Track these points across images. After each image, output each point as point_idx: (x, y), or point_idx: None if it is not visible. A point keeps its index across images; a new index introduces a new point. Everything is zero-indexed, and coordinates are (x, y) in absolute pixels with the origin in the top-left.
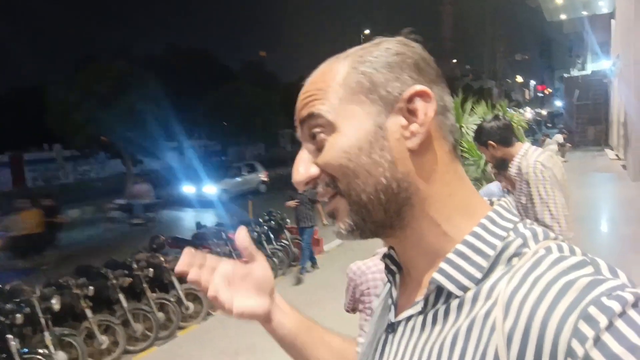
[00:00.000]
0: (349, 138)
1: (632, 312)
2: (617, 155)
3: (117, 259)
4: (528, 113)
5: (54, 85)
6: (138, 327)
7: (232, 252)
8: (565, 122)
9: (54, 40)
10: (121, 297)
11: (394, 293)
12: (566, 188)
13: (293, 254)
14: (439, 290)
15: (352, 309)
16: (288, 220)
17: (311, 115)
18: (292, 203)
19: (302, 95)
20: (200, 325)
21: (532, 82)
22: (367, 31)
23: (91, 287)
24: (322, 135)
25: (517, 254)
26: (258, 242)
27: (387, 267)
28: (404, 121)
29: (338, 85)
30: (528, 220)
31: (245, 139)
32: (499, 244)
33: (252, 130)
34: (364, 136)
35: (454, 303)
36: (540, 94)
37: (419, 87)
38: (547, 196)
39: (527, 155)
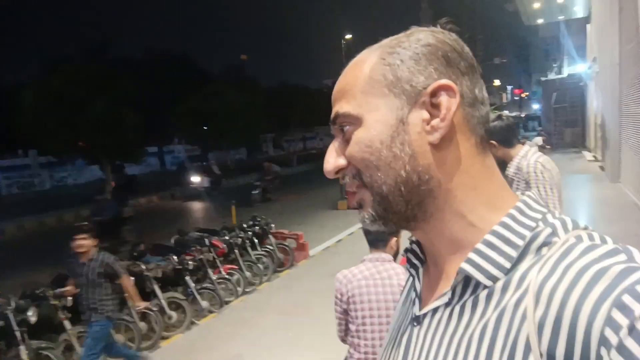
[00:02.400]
0: (371, 132)
1: None
2: (594, 156)
3: None
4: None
5: (27, 88)
6: (119, 338)
7: (215, 259)
8: (544, 125)
9: (26, 41)
10: None
11: (418, 286)
12: (560, 190)
13: (278, 260)
14: (467, 281)
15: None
16: (273, 225)
17: (337, 116)
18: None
19: (335, 88)
20: (184, 335)
21: (509, 86)
22: (348, 36)
23: (69, 298)
24: (349, 128)
25: (546, 243)
26: (242, 248)
27: (409, 261)
28: (426, 115)
29: (363, 78)
30: (557, 212)
31: (226, 144)
32: (527, 234)
33: (233, 135)
34: (386, 130)
35: (482, 294)
36: (516, 98)
37: (443, 82)
38: (546, 196)
39: (527, 157)
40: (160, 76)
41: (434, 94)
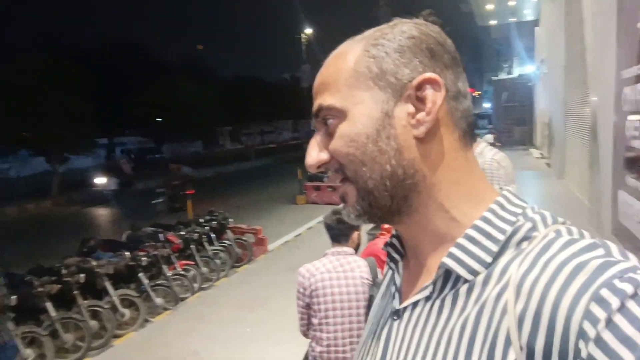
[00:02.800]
0: (356, 126)
1: None
2: (541, 154)
3: (43, 264)
4: None
5: None
6: (68, 338)
7: (170, 255)
8: (494, 123)
9: None
10: (48, 305)
11: (398, 280)
12: (514, 186)
13: (236, 255)
14: (447, 274)
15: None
16: (231, 220)
17: (321, 109)
18: None
19: (316, 80)
20: (137, 332)
21: None
22: (308, 30)
23: (13, 297)
24: (333, 121)
25: (526, 238)
26: (199, 243)
27: (389, 255)
28: (411, 109)
29: (348, 70)
30: (536, 206)
31: (181, 136)
32: (508, 229)
33: (189, 127)
34: (372, 124)
35: (463, 288)
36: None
37: (428, 75)
38: None
39: (483, 154)
40: (113, 65)
41: (420, 87)
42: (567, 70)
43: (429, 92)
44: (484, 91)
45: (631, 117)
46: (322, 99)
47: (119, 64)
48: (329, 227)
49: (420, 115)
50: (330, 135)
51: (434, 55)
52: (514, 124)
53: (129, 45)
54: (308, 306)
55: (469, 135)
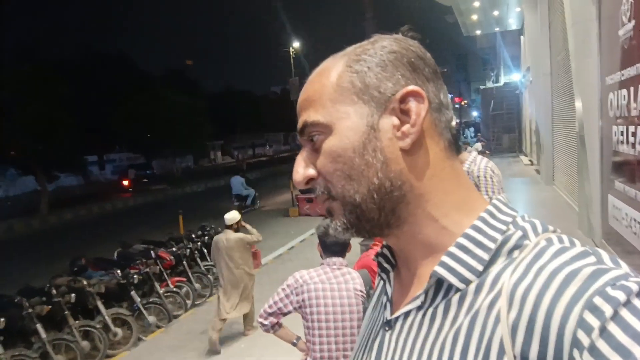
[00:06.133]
0: (342, 140)
1: (636, 301)
2: (530, 160)
3: (32, 284)
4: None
5: None
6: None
7: (162, 272)
8: (483, 131)
9: None
10: (39, 327)
11: (389, 290)
12: (504, 195)
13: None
14: (439, 284)
15: (272, 325)
16: None
17: (306, 125)
18: None
19: (300, 97)
20: (130, 352)
21: (450, 94)
22: (296, 44)
23: (2, 319)
24: (319, 137)
25: (517, 246)
26: (191, 259)
27: (380, 265)
28: (396, 121)
29: (331, 86)
30: (526, 215)
31: (171, 151)
32: (499, 237)
33: (178, 141)
34: (357, 137)
35: (455, 297)
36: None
37: (411, 88)
38: None
39: (476, 162)
40: (100, 80)
41: (403, 100)
42: (552, 78)
43: (412, 104)
44: (472, 100)
45: (618, 122)
46: (307, 115)
47: (107, 79)
48: (323, 239)
49: (405, 128)
50: (316, 151)
51: (415, 69)
52: (502, 131)
53: (116, 59)
54: (290, 309)
55: (454, 145)
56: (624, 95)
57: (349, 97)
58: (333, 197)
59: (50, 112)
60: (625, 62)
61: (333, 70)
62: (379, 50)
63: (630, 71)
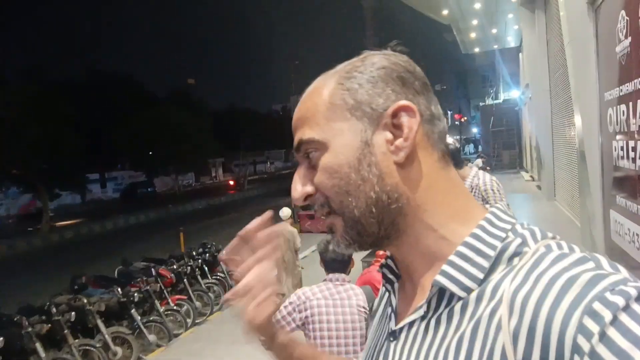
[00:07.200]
0: (338, 156)
1: (635, 306)
2: (531, 176)
3: (32, 303)
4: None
5: None
6: None
7: (163, 290)
8: (483, 147)
9: None
10: (38, 346)
11: (394, 301)
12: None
13: (231, 287)
14: (441, 293)
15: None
16: (224, 252)
17: (301, 143)
18: None
19: (295, 116)
20: None
21: (449, 111)
22: (297, 62)
23: (1, 338)
24: (315, 154)
25: (517, 254)
26: (192, 277)
27: (384, 277)
28: (389, 136)
29: (324, 104)
30: (525, 222)
31: (173, 169)
32: (498, 245)
33: (181, 159)
34: (352, 153)
35: (457, 306)
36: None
37: (402, 103)
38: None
39: (479, 176)
40: (103, 99)
41: (395, 115)
42: (551, 94)
43: (404, 119)
44: (472, 117)
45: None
46: (302, 133)
47: (109, 97)
48: (324, 255)
49: (399, 142)
50: (313, 167)
51: (405, 83)
52: (502, 147)
53: (119, 78)
54: (293, 326)
55: (449, 155)
56: (623, 111)
57: (341, 114)
58: (334, 210)
59: (54, 132)
60: (623, 78)
61: (325, 89)
62: (369, 66)
63: (629, 87)
